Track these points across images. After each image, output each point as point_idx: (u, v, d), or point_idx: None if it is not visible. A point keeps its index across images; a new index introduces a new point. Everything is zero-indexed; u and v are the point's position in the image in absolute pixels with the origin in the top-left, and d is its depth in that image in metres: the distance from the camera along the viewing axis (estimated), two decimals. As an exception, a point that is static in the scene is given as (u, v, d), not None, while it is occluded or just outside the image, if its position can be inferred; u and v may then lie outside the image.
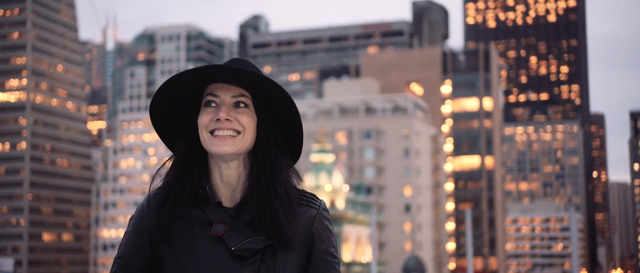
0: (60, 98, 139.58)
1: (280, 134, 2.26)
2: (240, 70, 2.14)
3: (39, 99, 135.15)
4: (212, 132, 2.17)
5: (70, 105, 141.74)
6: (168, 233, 2.18)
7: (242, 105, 2.19)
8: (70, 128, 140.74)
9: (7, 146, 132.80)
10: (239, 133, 2.17)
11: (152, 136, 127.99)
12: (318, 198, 2.25)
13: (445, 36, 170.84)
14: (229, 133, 2.16)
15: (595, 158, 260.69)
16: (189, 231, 2.17)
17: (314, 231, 2.20)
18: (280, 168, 2.22)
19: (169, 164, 2.28)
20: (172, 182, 2.23)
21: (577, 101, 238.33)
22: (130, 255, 2.22)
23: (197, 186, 2.22)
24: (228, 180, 2.21)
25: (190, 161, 2.25)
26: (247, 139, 2.19)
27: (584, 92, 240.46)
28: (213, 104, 2.19)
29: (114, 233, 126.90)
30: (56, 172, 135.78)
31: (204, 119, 2.18)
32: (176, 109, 2.27)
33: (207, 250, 2.13)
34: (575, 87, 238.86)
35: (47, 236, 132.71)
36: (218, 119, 2.16)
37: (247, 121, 2.18)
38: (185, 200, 2.19)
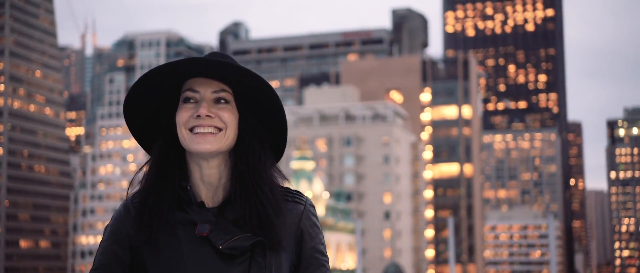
0: (38, 104, 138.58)
1: (262, 131, 2.14)
2: (221, 63, 2.01)
3: (16, 104, 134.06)
4: (191, 129, 2.04)
5: (48, 111, 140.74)
6: (150, 238, 2.04)
7: (222, 101, 2.06)
8: (48, 134, 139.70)
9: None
10: (220, 130, 2.04)
11: (131, 143, 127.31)
12: (303, 195, 2.15)
13: (425, 44, 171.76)
14: (209, 130, 2.03)
15: (572, 166, 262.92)
16: (171, 234, 2.04)
17: (302, 228, 2.10)
18: (264, 166, 2.10)
19: (146, 168, 2.14)
20: (151, 185, 2.09)
21: (555, 110, 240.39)
22: (108, 265, 2.07)
23: (177, 188, 2.09)
24: (209, 180, 2.08)
25: (169, 161, 2.11)
26: (228, 137, 2.06)
27: (562, 101, 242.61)
28: (192, 100, 2.06)
29: (92, 239, 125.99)
30: (34, 178, 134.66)
31: (183, 115, 2.05)
32: (152, 106, 2.13)
33: (192, 252, 2.01)
34: (553, 95, 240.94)
35: (24, 243, 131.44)
36: (198, 116, 2.03)
37: (229, 117, 2.05)
38: (166, 203, 2.07)
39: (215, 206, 2.08)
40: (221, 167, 2.09)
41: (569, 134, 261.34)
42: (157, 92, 2.10)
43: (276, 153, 2.18)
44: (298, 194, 2.14)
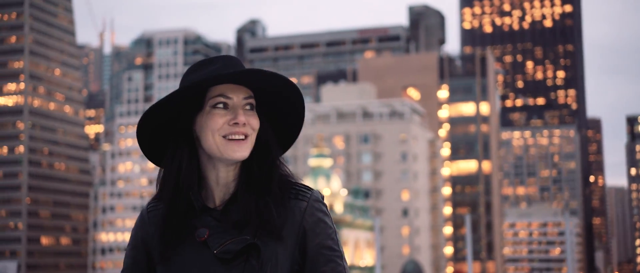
0: (57, 102, 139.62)
1: (273, 132, 2.18)
2: (267, 73, 2.05)
3: (36, 103, 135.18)
4: (224, 136, 2.06)
5: (67, 109, 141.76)
6: (165, 251, 2.10)
7: (251, 107, 2.10)
8: (67, 131, 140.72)
9: (5, 150, 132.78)
10: (246, 136, 2.08)
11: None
12: (310, 189, 2.11)
13: (442, 41, 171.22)
14: (242, 136, 2.06)
15: (592, 163, 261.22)
16: (180, 240, 2.09)
17: (305, 226, 2.06)
18: (276, 168, 2.12)
19: (163, 175, 2.17)
20: (171, 196, 2.11)
21: (574, 106, 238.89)
22: (131, 268, 2.16)
23: (187, 194, 2.12)
24: (225, 182, 2.11)
25: (184, 168, 2.13)
26: (253, 142, 2.10)
27: (581, 97, 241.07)
28: (221, 106, 2.07)
29: (112, 236, 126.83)
30: (54, 176, 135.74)
31: (218, 121, 2.05)
32: (167, 116, 2.13)
33: (194, 256, 2.04)
34: (571, 92, 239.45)
35: (45, 240, 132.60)
36: (236, 123, 2.05)
37: (256, 123, 2.09)
38: (180, 214, 2.10)
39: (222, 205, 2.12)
40: (236, 170, 2.12)
41: (588, 131, 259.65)
42: (178, 102, 2.10)
43: (284, 146, 2.22)
44: (302, 190, 2.11)
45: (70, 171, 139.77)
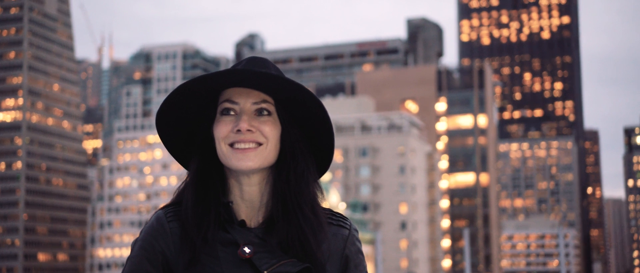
0: (56, 117, 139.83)
1: (306, 143, 1.97)
2: (262, 73, 1.85)
3: (35, 118, 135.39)
4: (231, 145, 1.88)
5: (66, 124, 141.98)
6: (192, 259, 1.86)
7: (264, 113, 1.90)
8: (66, 147, 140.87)
9: (3, 165, 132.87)
10: (260, 144, 1.88)
11: (148, 155, 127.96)
12: (348, 219, 2.00)
13: (440, 54, 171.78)
14: (250, 145, 1.87)
15: (589, 174, 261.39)
16: (210, 254, 1.86)
17: (348, 254, 1.96)
18: (306, 182, 1.93)
19: (185, 183, 1.99)
20: (193, 203, 1.90)
21: (571, 118, 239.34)
22: None
23: (219, 205, 1.91)
24: (250, 197, 1.93)
25: (209, 176, 1.94)
26: (270, 151, 1.90)
27: (578, 109, 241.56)
28: (231, 112, 1.90)
29: (109, 252, 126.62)
30: (52, 191, 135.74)
31: (222, 129, 1.89)
32: (187, 118, 1.97)
33: (234, 271, 1.85)
34: (569, 103, 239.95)
35: (42, 257, 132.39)
36: (238, 130, 1.87)
37: (271, 131, 1.89)
38: (211, 222, 1.88)
39: (255, 226, 1.92)
40: (262, 184, 1.93)
41: (586, 142, 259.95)
42: (193, 104, 1.94)
43: (320, 168, 2.02)
44: (342, 218, 1.99)
45: (68, 187, 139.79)
